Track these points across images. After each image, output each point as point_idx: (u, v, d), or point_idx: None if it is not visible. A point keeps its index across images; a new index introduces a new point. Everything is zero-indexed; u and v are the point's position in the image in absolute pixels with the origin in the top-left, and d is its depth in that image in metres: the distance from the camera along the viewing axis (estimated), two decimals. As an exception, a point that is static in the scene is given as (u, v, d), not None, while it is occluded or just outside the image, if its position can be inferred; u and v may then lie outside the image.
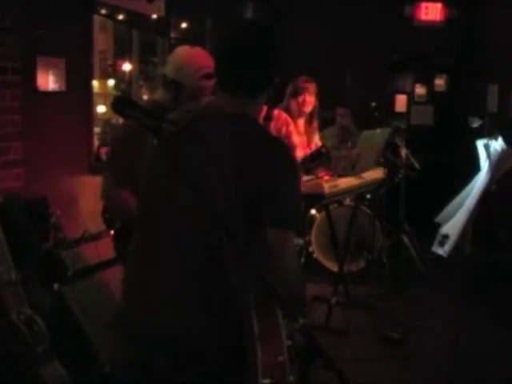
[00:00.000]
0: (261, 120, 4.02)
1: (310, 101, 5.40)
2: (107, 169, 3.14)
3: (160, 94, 3.18)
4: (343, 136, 6.68)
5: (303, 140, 5.43)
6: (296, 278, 1.92)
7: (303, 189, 4.43)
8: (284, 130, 4.81)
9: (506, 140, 3.37)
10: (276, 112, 4.40)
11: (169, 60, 3.20)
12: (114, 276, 3.05)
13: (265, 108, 4.18)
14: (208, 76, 3.05)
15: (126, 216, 2.65)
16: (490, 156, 3.25)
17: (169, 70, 3.09)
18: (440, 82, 8.39)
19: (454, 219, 3.32)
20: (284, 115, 4.91)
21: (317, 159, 3.60)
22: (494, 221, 6.63)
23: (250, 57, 1.97)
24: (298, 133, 5.36)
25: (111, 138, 4.71)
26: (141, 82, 7.27)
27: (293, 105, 5.38)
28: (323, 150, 3.58)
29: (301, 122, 5.49)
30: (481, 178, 3.33)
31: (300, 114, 5.42)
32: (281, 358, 1.77)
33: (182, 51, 3.21)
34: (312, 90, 5.39)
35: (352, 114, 6.83)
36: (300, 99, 5.36)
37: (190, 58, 3.13)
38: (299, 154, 4.93)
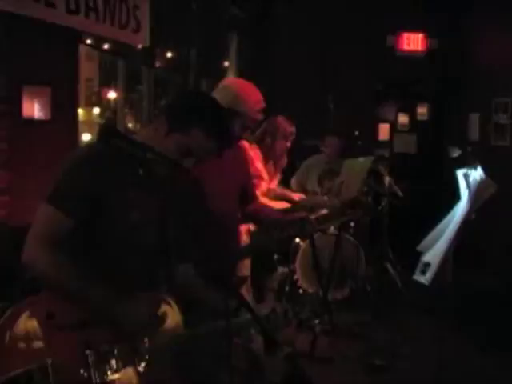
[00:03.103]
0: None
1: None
2: None
3: None
4: (331, 165, 6.69)
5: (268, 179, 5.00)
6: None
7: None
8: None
9: (486, 169, 3.42)
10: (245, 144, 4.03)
11: (219, 90, 3.14)
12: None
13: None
14: (263, 111, 3.10)
15: None
16: (469, 185, 3.30)
17: (221, 98, 2.79)
18: (422, 111, 8.51)
19: (435, 247, 3.35)
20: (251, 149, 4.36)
21: (356, 206, 3.38)
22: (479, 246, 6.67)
23: None
24: (268, 172, 4.96)
25: None
26: (126, 110, 7.30)
27: (281, 146, 5.11)
28: (363, 198, 3.39)
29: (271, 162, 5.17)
30: (461, 207, 3.37)
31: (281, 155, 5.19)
32: None
33: (239, 82, 3.25)
34: None
35: (339, 144, 6.74)
36: (287, 144, 5.16)
37: (250, 90, 3.14)
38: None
